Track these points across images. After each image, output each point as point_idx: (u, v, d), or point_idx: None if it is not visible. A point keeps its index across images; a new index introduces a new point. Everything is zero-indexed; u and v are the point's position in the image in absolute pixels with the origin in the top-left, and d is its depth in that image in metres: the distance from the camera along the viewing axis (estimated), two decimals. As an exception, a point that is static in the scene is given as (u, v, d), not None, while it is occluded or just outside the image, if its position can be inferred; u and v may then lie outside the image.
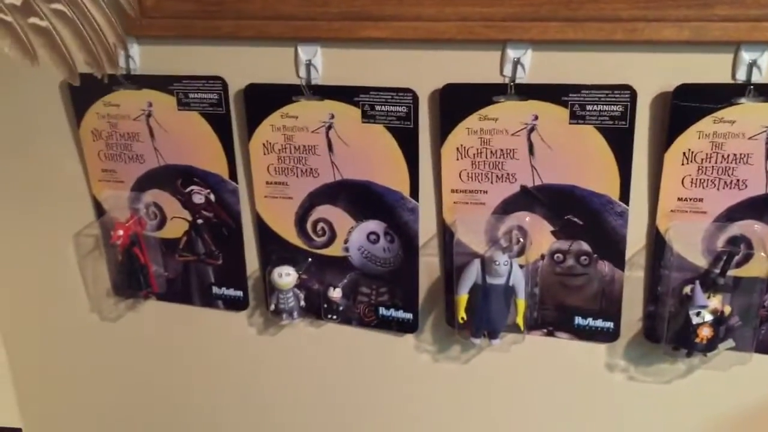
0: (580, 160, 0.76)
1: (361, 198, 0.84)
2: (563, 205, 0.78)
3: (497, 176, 0.79)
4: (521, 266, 0.80)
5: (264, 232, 0.89)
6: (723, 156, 0.72)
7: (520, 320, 0.81)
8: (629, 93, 0.72)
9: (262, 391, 0.99)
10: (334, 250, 0.87)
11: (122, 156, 0.90)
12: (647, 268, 0.79)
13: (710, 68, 0.70)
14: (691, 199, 0.74)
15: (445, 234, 0.83)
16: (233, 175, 0.87)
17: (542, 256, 0.81)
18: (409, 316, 0.88)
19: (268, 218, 0.88)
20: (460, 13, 0.73)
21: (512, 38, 0.73)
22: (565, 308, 0.83)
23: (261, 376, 0.98)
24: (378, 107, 0.79)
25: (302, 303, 0.89)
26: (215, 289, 0.94)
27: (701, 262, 0.76)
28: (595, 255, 0.79)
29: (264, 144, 0.84)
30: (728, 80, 0.70)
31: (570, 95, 0.74)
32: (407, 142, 0.80)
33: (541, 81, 0.74)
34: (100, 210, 0.94)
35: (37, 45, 0.48)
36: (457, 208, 0.81)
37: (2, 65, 0.89)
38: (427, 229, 0.84)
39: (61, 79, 0.89)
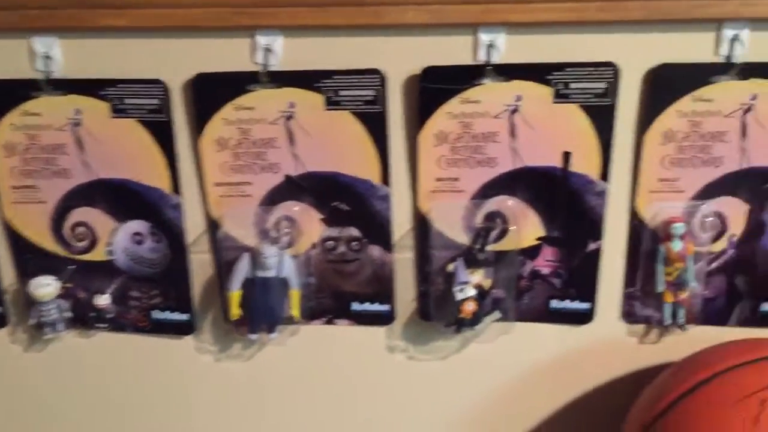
0: (340, 146, 0.75)
1: (121, 197, 0.79)
2: (329, 193, 0.78)
3: (260, 167, 0.77)
4: (294, 257, 0.79)
5: (16, 241, 0.82)
6: (472, 135, 0.74)
7: (295, 311, 0.79)
8: (379, 77, 0.72)
9: (34, 410, 0.92)
10: (98, 255, 0.82)
11: None
12: (415, 249, 0.80)
13: (454, 50, 0.72)
14: (447, 179, 0.76)
15: (214, 229, 0.80)
16: (-27, 181, 0.79)
17: (314, 245, 0.80)
18: (185, 317, 0.84)
19: (19, 225, 0.81)
20: (205, 0, 0.70)
21: (261, 25, 0.71)
22: (342, 295, 0.82)
23: (32, 395, 0.91)
24: (128, 100, 0.75)
25: (67, 314, 0.83)
26: (-33, 308, 0.85)
27: (463, 239, 0.78)
28: (365, 240, 0.79)
29: (4, 146, 0.77)
30: (470, 61, 0.71)
31: (323, 81, 0.73)
32: (162, 136, 0.76)
33: (296, 68, 0.73)
34: None
35: None
36: (223, 201, 0.79)
37: None
38: (195, 226, 0.80)
39: None
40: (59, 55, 0.74)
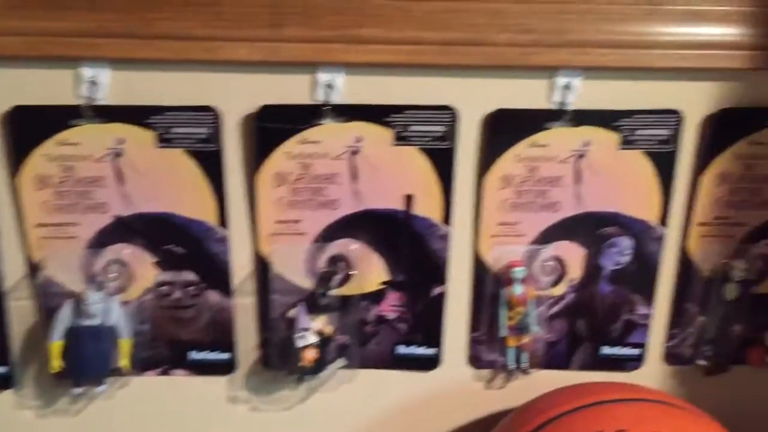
0: (174, 185, 0.72)
1: (-74, 239, 0.71)
2: (162, 235, 0.73)
3: (86, 206, 0.72)
4: (125, 303, 0.74)
5: None
6: (312, 176, 0.72)
7: (124, 362, 0.74)
8: (214, 114, 0.69)
9: None
10: None
11: None
12: (257, 294, 0.76)
13: (292, 89, 0.69)
14: (288, 221, 0.73)
15: (36, 274, 0.73)
16: None
17: (148, 290, 0.75)
18: (4, 369, 0.78)
19: None
20: (23, 28, 0.65)
21: (84, 56, 0.67)
22: (179, 343, 0.78)
23: None
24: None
25: None
26: None
27: (306, 283, 0.75)
28: (202, 284, 0.75)
29: None
30: (309, 101, 0.69)
31: (154, 117, 0.69)
32: (-26, 173, 0.69)
33: (125, 102, 0.69)
34: None
35: None
36: (45, 243, 0.73)
37: None
38: (14, 270, 0.74)
39: None
40: None
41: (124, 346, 0.74)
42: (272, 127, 0.70)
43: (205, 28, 0.66)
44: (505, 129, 0.71)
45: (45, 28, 0.66)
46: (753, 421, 0.82)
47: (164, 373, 0.79)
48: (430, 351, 0.80)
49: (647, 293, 0.78)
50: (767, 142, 0.71)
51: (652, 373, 0.81)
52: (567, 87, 0.69)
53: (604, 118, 0.70)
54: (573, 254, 0.76)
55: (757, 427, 0.83)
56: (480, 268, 0.76)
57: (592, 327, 0.79)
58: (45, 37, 0.66)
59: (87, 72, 0.68)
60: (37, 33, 0.66)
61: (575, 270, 0.77)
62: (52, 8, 0.65)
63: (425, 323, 0.78)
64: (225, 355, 0.79)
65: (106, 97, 0.69)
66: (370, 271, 0.76)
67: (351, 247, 0.75)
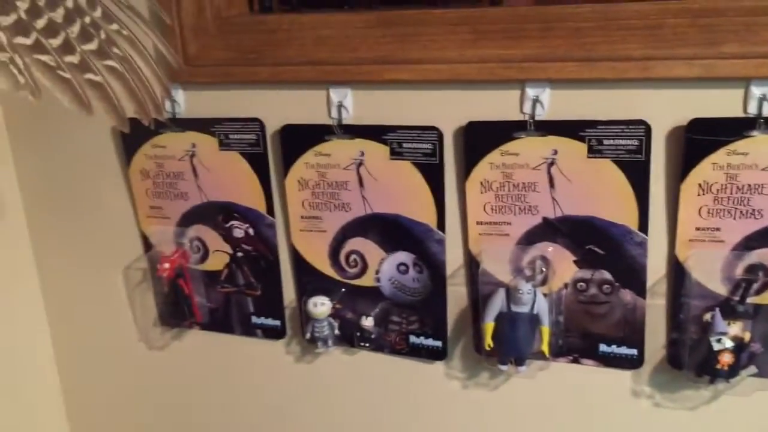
0: (599, 192, 0.79)
1: (391, 230, 0.88)
2: (584, 236, 0.81)
3: (520, 208, 0.82)
4: (545, 295, 0.83)
5: (299, 263, 0.94)
6: (738, 187, 0.74)
7: (545, 347, 0.83)
8: (644, 128, 0.75)
9: (299, 417, 1.03)
10: (366, 281, 0.91)
11: (168, 194, 0.96)
12: (668, 296, 0.81)
13: (722, 102, 0.73)
14: (708, 229, 0.77)
15: (472, 264, 0.86)
16: (270, 210, 0.92)
17: (566, 285, 0.84)
18: (439, 343, 0.91)
19: (303, 250, 0.93)
20: (480, 56, 0.78)
21: (530, 78, 0.77)
22: (590, 336, 0.85)
23: (298, 402, 1.03)
24: (405, 144, 0.84)
25: (337, 331, 0.94)
26: (254, 319, 0.99)
27: (721, 289, 0.78)
28: (617, 284, 0.82)
29: (299, 180, 0.89)
30: (740, 114, 0.72)
31: (587, 130, 0.77)
32: (433, 177, 0.84)
33: (560, 117, 0.78)
34: (147, 244, 1.01)
35: (92, 97, 0.54)
36: (482, 239, 0.85)
37: (61, 116, 0.96)
38: (454, 260, 0.87)
39: (112, 126, 0.96)
40: (350, 104, 0.85)
41: (545, 333, 0.83)
42: (701, 138, 0.74)
43: (644, 49, 0.72)
44: None
45: (498, 56, 0.77)
46: None
47: (575, 361, 0.87)
48: None
49: None
50: None
51: None
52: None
53: None
54: None
55: None
56: None
57: None
58: (494, 63, 0.78)
59: (531, 92, 0.78)
60: (488, 60, 0.78)
61: None
62: (508, 38, 0.76)
63: None
64: (633, 351, 0.84)
65: (545, 113, 0.78)
66: (791, 281, 0.76)
67: None
